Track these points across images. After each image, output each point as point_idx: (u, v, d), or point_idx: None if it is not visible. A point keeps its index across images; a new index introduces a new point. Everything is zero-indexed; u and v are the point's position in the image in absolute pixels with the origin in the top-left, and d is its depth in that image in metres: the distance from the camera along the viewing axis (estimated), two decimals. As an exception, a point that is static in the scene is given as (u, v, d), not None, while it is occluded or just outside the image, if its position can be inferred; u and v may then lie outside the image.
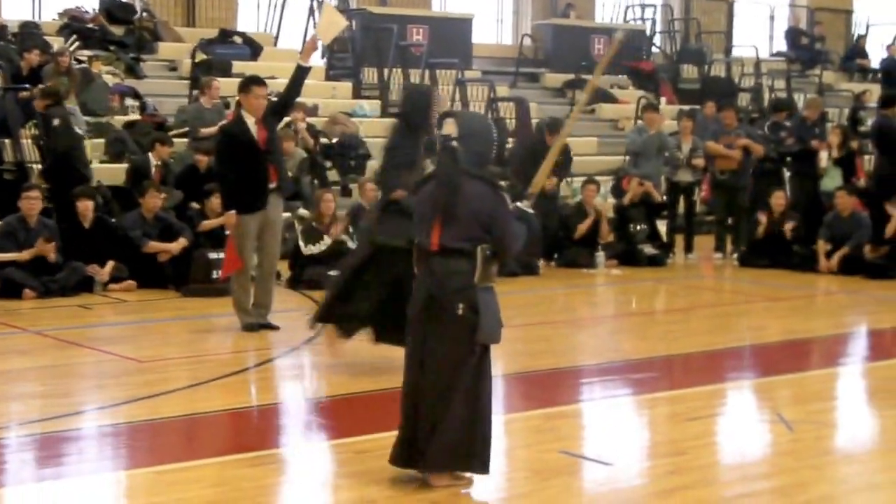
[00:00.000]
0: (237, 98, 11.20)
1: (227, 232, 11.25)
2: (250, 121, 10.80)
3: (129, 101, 17.62)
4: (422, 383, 6.45)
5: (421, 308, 6.48)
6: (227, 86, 17.39)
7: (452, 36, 21.84)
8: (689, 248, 16.71)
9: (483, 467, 6.49)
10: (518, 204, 6.63)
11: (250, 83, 10.92)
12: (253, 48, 20.14)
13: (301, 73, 10.88)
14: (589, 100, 9.44)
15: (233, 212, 10.86)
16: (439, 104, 9.01)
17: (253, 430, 8.04)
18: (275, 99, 11.35)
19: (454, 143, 6.41)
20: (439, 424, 6.38)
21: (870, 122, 22.09)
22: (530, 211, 6.72)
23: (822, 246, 15.37)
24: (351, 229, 13.87)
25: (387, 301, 8.95)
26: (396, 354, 10.20)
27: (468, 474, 6.54)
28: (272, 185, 10.87)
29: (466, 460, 6.46)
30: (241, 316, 11.07)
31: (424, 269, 6.50)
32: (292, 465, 7.10)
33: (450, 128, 6.47)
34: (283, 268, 13.21)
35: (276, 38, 21.54)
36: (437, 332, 6.41)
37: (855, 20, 30.02)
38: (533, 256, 14.56)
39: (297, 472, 6.96)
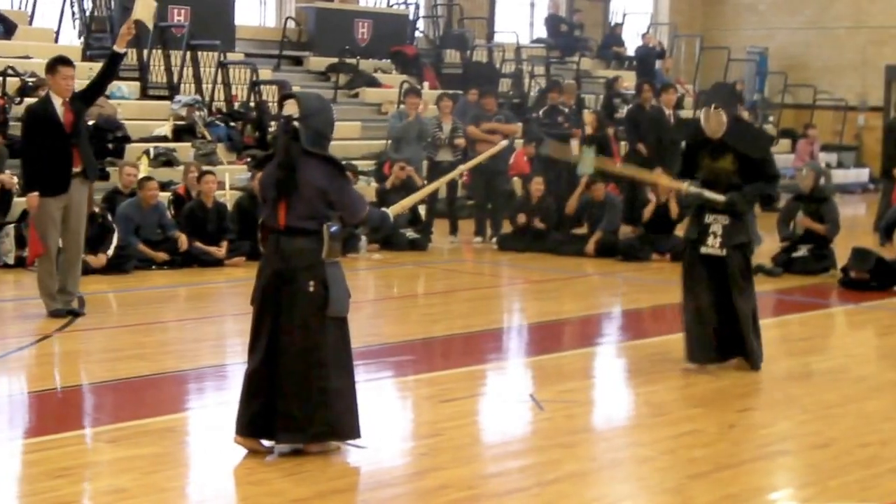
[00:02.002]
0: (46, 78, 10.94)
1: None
2: (57, 102, 10.57)
3: None
4: (280, 362, 6.69)
5: (269, 285, 6.73)
6: (-24, 65, 16.81)
7: (214, 17, 21.45)
8: (453, 230, 16.87)
9: (359, 434, 6.89)
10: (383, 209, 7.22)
11: (56, 63, 10.66)
12: (6, 26, 19.42)
13: (115, 59, 10.71)
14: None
15: (35, 193, 10.55)
16: None
17: (0, 421, 7.79)
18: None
19: (296, 124, 6.68)
20: (317, 399, 6.70)
21: (625, 108, 22.74)
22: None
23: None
24: (109, 216, 13.54)
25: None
26: (149, 340, 10.11)
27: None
28: (76, 170, 10.62)
29: (350, 430, 6.87)
30: (46, 301, 10.81)
31: (272, 247, 6.77)
32: (42, 455, 6.88)
33: (291, 108, 6.74)
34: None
35: (32, 16, 20.82)
36: (290, 310, 6.69)
37: (612, 9, 30.79)
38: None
39: (47, 462, 6.73)
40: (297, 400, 6.70)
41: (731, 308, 9.03)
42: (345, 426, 6.83)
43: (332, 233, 6.72)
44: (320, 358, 6.72)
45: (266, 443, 6.83)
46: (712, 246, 9.05)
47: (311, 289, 6.68)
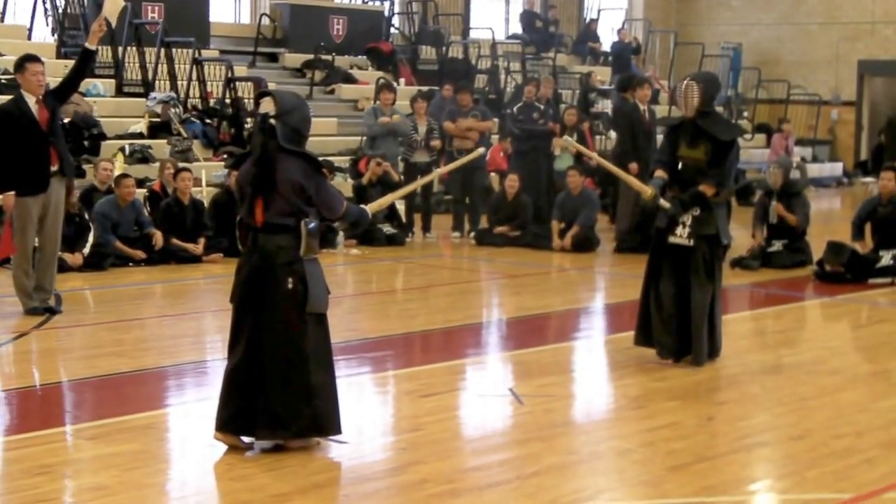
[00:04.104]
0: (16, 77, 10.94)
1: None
2: (30, 100, 10.53)
3: None
4: (261, 357, 6.70)
5: (248, 283, 6.74)
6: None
7: (189, 14, 21.45)
8: (427, 227, 16.90)
9: (340, 429, 6.89)
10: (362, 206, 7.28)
11: (24, 61, 10.64)
12: (-22, 24, 19.42)
13: (87, 56, 10.72)
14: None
15: (11, 193, 10.53)
16: None
17: (-21, 419, 7.80)
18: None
19: (272, 121, 6.69)
20: (299, 395, 6.71)
21: (601, 103, 22.81)
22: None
23: (555, 225, 15.77)
24: (86, 213, 13.51)
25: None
26: (128, 337, 10.10)
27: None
28: (53, 168, 10.60)
29: (332, 426, 6.87)
30: (22, 300, 10.80)
31: (250, 245, 6.79)
32: (22, 453, 6.88)
33: (267, 106, 6.78)
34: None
35: (3, 13, 20.79)
36: (270, 307, 6.70)
37: (587, 5, 30.86)
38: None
39: (27, 460, 6.73)
40: (279, 397, 6.70)
41: (689, 300, 9.09)
42: (327, 422, 6.84)
43: (310, 229, 6.73)
44: (301, 354, 6.73)
45: (246, 439, 6.84)
46: (680, 235, 9.08)
47: (290, 286, 6.69)
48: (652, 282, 9.23)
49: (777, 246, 14.32)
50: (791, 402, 8.21)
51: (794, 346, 10.47)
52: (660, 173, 9.23)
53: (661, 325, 9.17)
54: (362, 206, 7.35)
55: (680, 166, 9.20)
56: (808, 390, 8.56)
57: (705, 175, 9.05)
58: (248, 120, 18.34)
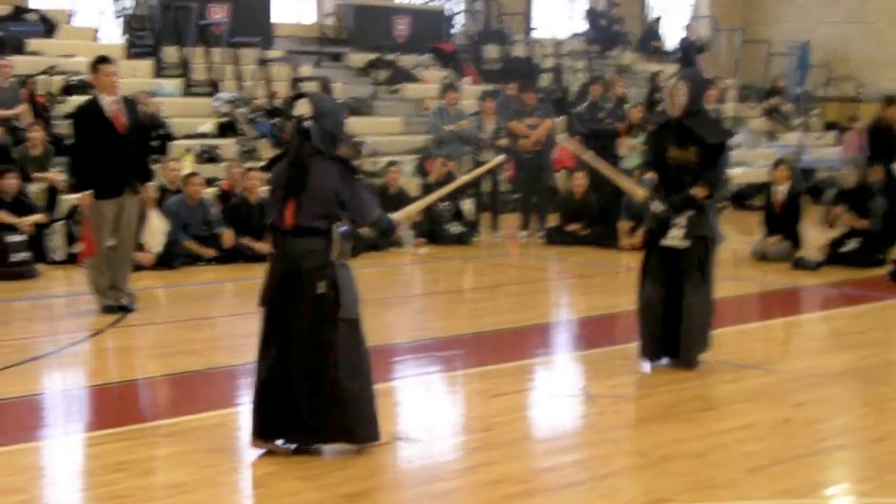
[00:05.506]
0: (90, 79, 11.18)
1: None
2: (105, 100, 10.65)
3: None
4: (291, 363, 6.61)
5: (278, 287, 6.64)
6: (21, 64, 16.91)
7: (254, 14, 21.54)
8: (494, 226, 16.88)
9: (376, 436, 6.76)
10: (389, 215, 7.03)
11: (98, 62, 10.82)
12: (48, 25, 19.55)
13: None
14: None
15: (87, 192, 10.65)
16: None
17: (58, 416, 7.87)
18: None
19: (307, 124, 6.60)
20: (328, 401, 6.60)
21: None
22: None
23: (623, 224, 15.70)
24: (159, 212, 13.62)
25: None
26: (199, 336, 10.14)
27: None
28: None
29: (365, 433, 6.73)
30: (98, 298, 10.92)
31: (279, 248, 6.68)
32: (101, 449, 6.93)
33: (303, 108, 6.66)
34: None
35: (72, 15, 20.97)
36: (300, 312, 6.60)
37: (651, 3, 30.65)
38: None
39: (106, 456, 6.77)
40: (309, 402, 6.63)
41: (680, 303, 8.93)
42: (359, 428, 6.72)
43: (342, 233, 6.64)
44: (331, 360, 6.61)
45: (279, 442, 6.79)
46: (675, 238, 8.91)
47: (321, 290, 6.59)
48: (644, 288, 9.11)
49: (851, 244, 14.12)
50: (871, 404, 8.09)
51: (872, 347, 10.28)
52: (650, 175, 9.13)
53: (646, 325, 9.07)
54: (391, 215, 7.13)
55: (669, 167, 9.02)
56: (888, 391, 8.43)
57: (695, 176, 8.89)
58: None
